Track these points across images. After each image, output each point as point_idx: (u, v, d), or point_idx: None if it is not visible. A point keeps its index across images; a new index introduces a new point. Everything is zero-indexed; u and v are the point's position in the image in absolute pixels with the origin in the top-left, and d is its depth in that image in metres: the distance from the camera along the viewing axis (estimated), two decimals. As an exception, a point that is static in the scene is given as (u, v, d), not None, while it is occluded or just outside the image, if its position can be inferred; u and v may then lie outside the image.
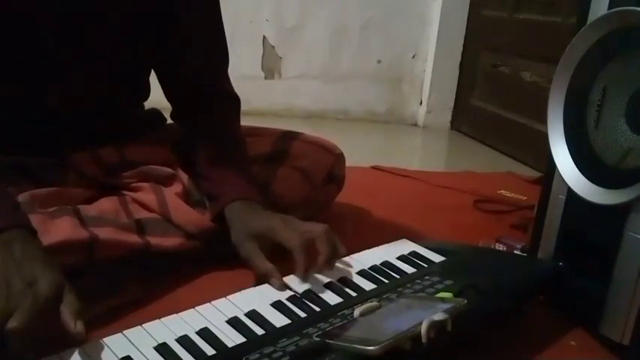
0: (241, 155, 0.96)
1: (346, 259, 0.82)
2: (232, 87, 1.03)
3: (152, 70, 1.01)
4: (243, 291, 0.72)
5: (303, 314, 0.68)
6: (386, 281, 0.77)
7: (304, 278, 0.74)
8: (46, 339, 0.57)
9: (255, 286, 0.74)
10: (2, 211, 0.65)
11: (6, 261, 0.59)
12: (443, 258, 0.85)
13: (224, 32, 0.99)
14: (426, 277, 0.75)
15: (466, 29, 2.34)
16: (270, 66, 2.36)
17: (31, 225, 0.65)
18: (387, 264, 0.81)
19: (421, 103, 2.48)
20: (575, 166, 0.79)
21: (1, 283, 0.57)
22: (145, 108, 1.06)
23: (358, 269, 0.79)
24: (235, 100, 1.03)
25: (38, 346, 0.56)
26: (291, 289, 0.73)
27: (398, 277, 0.78)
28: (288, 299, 0.71)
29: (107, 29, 0.86)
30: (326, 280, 0.76)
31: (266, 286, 0.74)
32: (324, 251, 0.76)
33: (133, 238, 0.80)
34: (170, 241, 0.84)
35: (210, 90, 1.00)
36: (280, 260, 0.77)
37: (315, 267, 0.75)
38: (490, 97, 2.21)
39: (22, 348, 0.54)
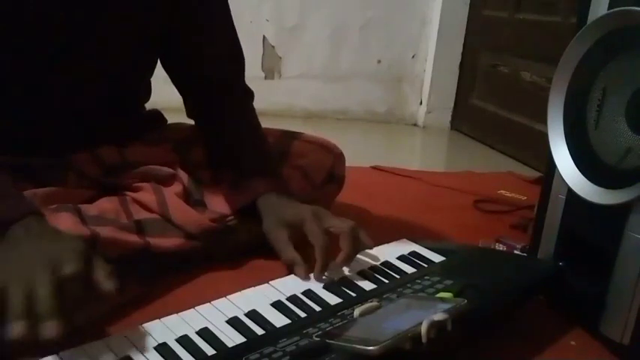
0: (268, 147, 0.99)
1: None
2: (245, 82, 1.05)
3: (153, 72, 1.01)
4: (243, 291, 0.72)
5: (303, 314, 0.68)
6: (386, 281, 0.77)
7: (318, 278, 0.77)
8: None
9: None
10: (14, 201, 0.66)
11: (29, 233, 0.62)
12: (443, 258, 0.85)
13: (235, 29, 1.01)
14: (426, 277, 0.75)
15: (466, 29, 2.34)
16: (270, 66, 2.36)
17: (43, 213, 0.67)
18: (387, 264, 0.81)
19: (421, 103, 2.48)
20: (575, 166, 0.79)
21: (34, 249, 0.59)
22: (146, 109, 1.06)
23: (358, 269, 0.79)
24: (250, 93, 1.05)
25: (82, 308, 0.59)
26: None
27: (398, 277, 0.78)
28: (288, 299, 0.71)
29: (114, 32, 0.86)
30: (326, 280, 0.76)
31: (266, 285, 0.74)
32: (345, 249, 0.78)
33: (133, 238, 0.80)
34: (170, 242, 0.84)
35: (229, 87, 1.02)
36: (309, 249, 0.81)
37: (333, 264, 0.78)
38: (490, 97, 2.21)
39: (77, 300, 0.57)
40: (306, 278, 0.77)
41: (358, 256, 0.83)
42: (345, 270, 0.79)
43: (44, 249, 0.59)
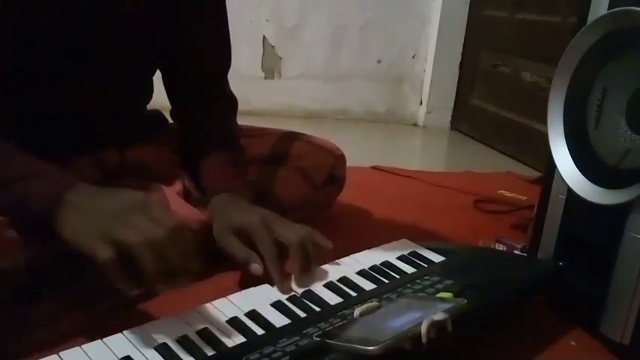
0: (235, 151, 0.96)
1: (346, 259, 0.82)
2: (230, 88, 1.04)
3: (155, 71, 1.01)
4: (243, 291, 0.72)
5: (303, 314, 0.68)
6: (386, 281, 0.77)
7: (282, 289, 0.73)
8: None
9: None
10: (57, 174, 0.68)
11: (88, 194, 0.65)
12: (443, 258, 0.85)
13: (229, 35, 0.99)
14: (426, 277, 0.75)
15: (466, 29, 2.34)
16: (270, 66, 2.36)
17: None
18: (387, 264, 0.81)
19: (421, 103, 2.48)
20: (575, 166, 0.79)
21: (104, 203, 0.63)
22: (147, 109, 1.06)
23: (358, 269, 0.79)
24: (233, 101, 1.03)
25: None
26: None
27: (398, 277, 0.78)
28: (288, 299, 0.71)
29: (116, 34, 0.86)
30: (326, 280, 0.76)
31: (266, 286, 0.74)
32: (296, 263, 0.75)
33: None
34: None
35: (210, 92, 1.00)
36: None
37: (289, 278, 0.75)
38: (490, 97, 2.21)
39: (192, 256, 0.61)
40: (260, 271, 0.73)
41: (357, 257, 0.83)
42: (314, 280, 0.75)
43: (124, 199, 0.63)
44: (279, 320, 0.66)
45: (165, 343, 0.60)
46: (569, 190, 0.80)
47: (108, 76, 0.89)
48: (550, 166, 0.84)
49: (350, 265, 0.80)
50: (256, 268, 0.74)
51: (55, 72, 0.83)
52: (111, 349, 0.58)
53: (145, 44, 0.90)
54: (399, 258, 0.84)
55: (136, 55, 0.90)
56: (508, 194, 1.47)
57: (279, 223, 0.78)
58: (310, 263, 0.76)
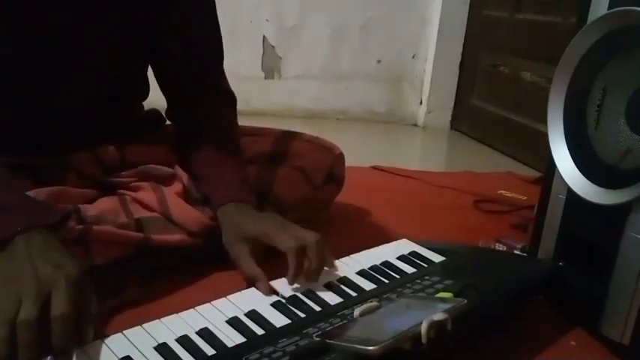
0: (235, 154, 0.96)
1: (346, 259, 0.82)
2: (228, 83, 1.04)
3: (147, 68, 1.00)
4: (243, 291, 0.72)
5: (303, 314, 0.68)
6: (386, 281, 0.77)
7: (292, 282, 0.73)
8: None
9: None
10: (22, 212, 0.66)
11: (29, 248, 0.61)
12: (443, 258, 0.85)
13: (219, 28, 0.99)
14: (426, 277, 0.75)
15: (466, 29, 2.34)
16: (270, 66, 2.35)
17: (49, 222, 0.67)
18: (387, 264, 0.81)
19: (421, 103, 2.48)
20: (575, 166, 0.79)
21: (28, 269, 0.58)
22: (145, 108, 1.06)
23: (358, 269, 0.79)
24: (230, 97, 1.03)
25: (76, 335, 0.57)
26: (277, 294, 0.72)
27: (398, 277, 0.78)
28: (288, 299, 0.71)
29: (106, 28, 0.86)
30: (326, 280, 0.76)
31: (265, 286, 0.74)
32: (313, 260, 0.74)
33: (132, 234, 0.80)
34: (171, 237, 0.84)
35: (205, 88, 1.00)
36: (270, 262, 0.77)
37: (303, 273, 0.75)
38: (490, 97, 2.21)
39: (67, 335, 0.55)
40: (270, 294, 0.72)
41: (357, 257, 0.83)
42: (323, 278, 0.76)
43: (34, 262, 0.59)
44: (279, 320, 0.66)
45: (165, 343, 0.60)
46: (569, 190, 0.80)
47: (97, 73, 0.89)
48: (550, 166, 0.84)
49: (350, 265, 0.80)
50: (261, 287, 0.74)
51: (45, 69, 0.83)
52: (111, 349, 0.58)
53: (131, 40, 0.90)
54: (399, 258, 0.84)
55: (122, 52, 0.90)
56: (508, 194, 1.47)
57: (293, 227, 0.79)
58: (325, 262, 0.76)
